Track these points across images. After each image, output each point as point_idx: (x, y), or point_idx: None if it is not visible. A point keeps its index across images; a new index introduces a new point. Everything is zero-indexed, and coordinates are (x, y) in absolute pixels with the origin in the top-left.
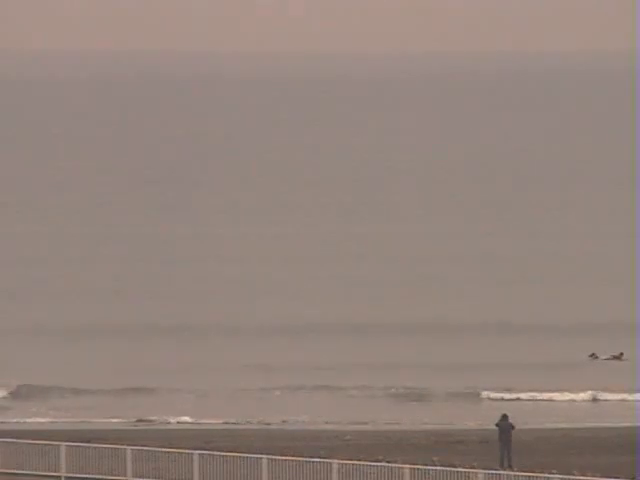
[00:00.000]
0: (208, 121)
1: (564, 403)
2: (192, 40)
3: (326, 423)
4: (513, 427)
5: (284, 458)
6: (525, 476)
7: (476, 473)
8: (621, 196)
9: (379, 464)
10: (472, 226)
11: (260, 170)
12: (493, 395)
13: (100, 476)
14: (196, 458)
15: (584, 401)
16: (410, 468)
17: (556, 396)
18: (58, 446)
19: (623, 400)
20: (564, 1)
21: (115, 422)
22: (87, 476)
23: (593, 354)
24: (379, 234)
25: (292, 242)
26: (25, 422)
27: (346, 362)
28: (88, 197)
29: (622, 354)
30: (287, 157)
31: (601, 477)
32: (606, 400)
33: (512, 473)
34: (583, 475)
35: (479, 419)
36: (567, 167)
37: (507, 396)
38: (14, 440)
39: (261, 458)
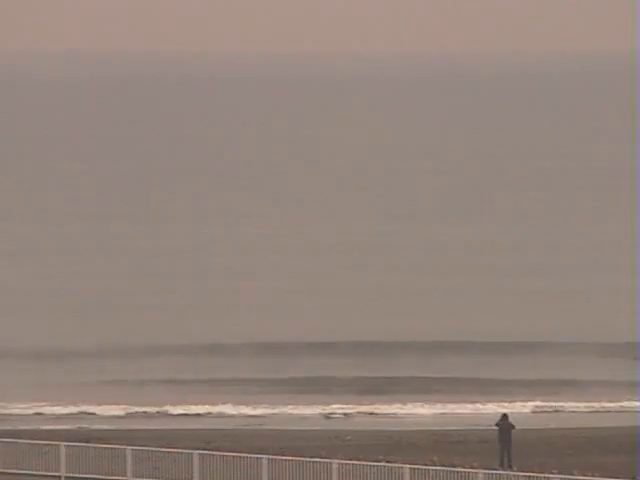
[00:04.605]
0: (207, 122)
1: None
2: (191, 40)
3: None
4: (513, 427)
5: (284, 458)
6: (525, 476)
7: (476, 473)
8: (621, 197)
9: (379, 464)
10: (469, 228)
11: (259, 171)
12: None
13: (100, 476)
14: (196, 458)
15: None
16: (410, 468)
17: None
18: (58, 446)
19: None
20: (564, 1)
21: (115, 422)
22: (87, 476)
23: None
24: (377, 235)
25: (290, 247)
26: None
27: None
28: (86, 200)
29: None
30: (286, 158)
31: (601, 477)
32: None
33: (512, 473)
34: (583, 475)
35: None
36: (566, 168)
37: None
38: (14, 440)
39: (261, 458)
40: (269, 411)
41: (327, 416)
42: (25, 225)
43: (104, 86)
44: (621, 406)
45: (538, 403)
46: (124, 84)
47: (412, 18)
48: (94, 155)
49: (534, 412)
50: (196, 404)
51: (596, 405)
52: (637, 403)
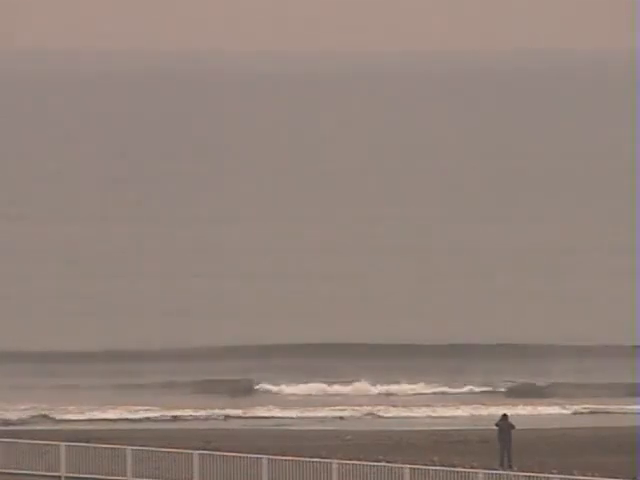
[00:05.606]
0: (208, 122)
1: None
2: (191, 40)
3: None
4: (513, 427)
5: (284, 458)
6: (525, 476)
7: (476, 473)
8: (621, 197)
9: (379, 464)
10: (469, 228)
11: (259, 171)
12: None
13: (100, 476)
14: (196, 458)
15: None
16: (410, 468)
17: None
18: (58, 446)
19: None
20: (564, 1)
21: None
22: (87, 476)
23: None
24: (377, 236)
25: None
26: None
27: None
28: (86, 200)
29: None
30: (286, 158)
31: (601, 477)
32: None
33: (512, 473)
34: (583, 475)
35: None
36: (566, 168)
37: None
38: (14, 440)
39: (261, 458)
40: (271, 412)
41: (340, 417)
42: (25, 225)
43: (104, 86)
44: (621, 407)
45: (585, 405)
46: (124, 83)
47: (412, 17)
48: (94, 155)
49: (575, 413)
50: (196, 405)
51: (596, 406)
52: (637, 406)
